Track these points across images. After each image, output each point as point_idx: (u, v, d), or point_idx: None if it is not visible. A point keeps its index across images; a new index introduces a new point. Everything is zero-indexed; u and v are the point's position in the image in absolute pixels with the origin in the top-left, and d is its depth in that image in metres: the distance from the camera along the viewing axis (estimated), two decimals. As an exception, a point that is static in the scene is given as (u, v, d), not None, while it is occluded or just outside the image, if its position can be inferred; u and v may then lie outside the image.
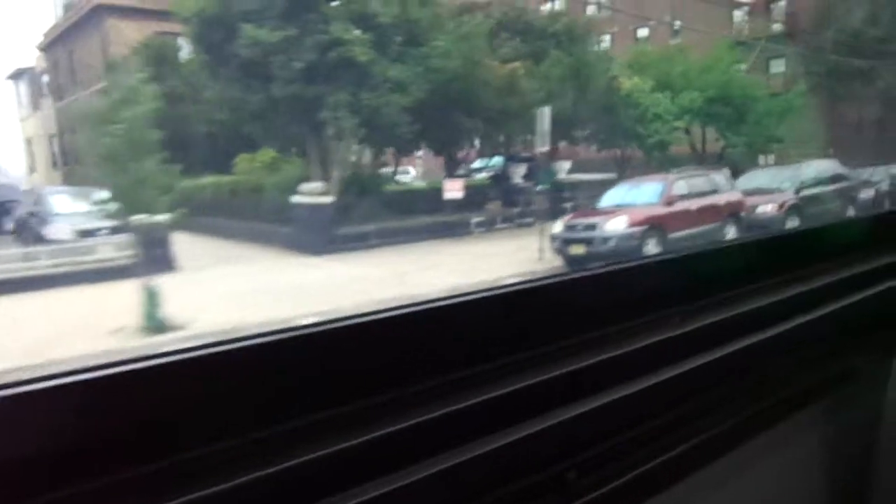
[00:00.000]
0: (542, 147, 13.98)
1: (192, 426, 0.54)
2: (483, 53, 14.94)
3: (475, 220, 14.36)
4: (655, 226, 10.56)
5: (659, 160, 17.08)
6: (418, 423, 0.61)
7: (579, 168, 18.40)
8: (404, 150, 17.47)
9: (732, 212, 11.78)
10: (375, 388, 0.62)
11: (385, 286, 9.01)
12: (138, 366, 0.52)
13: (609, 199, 11.95)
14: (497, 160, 17.78)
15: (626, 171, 17.41)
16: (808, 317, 1.03)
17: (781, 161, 18.35)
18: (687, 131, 18.13)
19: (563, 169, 17.91)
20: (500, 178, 16.88)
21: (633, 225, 10.47)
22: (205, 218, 12.38)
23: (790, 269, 1.10)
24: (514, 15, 17.40)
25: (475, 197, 14.88)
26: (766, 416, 0.96)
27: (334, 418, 0.59)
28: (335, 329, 0.61)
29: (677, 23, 22.21)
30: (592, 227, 10.59)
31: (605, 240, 10.24)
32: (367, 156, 16.09)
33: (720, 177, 12.65)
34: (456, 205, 14.16)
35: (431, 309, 0.68)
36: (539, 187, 14.94)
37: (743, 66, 19.52)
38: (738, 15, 23.35)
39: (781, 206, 12.18)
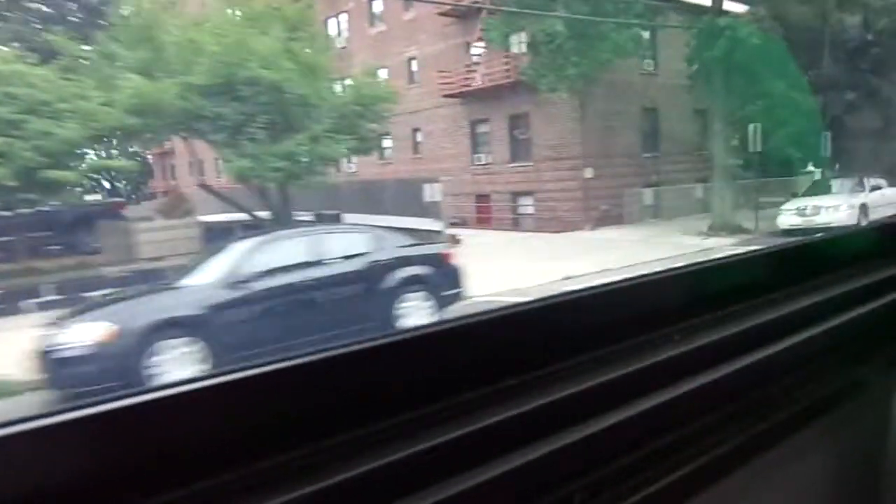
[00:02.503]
0: None
1: (210, 455, 0.53)
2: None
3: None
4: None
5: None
6: (419, 450, 0.61)
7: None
8: None
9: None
10: (372, 416, 0.62)
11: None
12: (151, 397, 0.52)
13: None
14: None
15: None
16: (813, 331, 1.03)
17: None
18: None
19: None
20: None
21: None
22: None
23: (793, 282, 1.09)
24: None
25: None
26: (772, 433, 0.96)
27: (338, 445, 0.58)
28: (336, 356, 0.61)
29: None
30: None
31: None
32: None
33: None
34: None
35: (427, 335, 0.68)
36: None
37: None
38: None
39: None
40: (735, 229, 18.18)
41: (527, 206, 22.78)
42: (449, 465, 0.62)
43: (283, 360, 0.58)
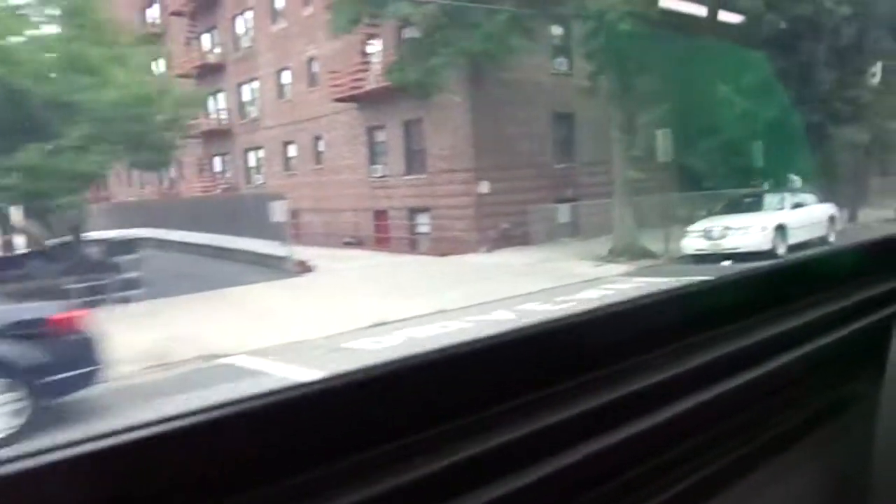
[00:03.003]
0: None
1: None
2: None
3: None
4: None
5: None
6: (416, 476, 0.61)
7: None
8: None
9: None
10: (371, 444, 0.62)
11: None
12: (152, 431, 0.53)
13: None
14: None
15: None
16: (800, 351, 1.05)
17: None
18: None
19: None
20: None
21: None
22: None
23: (780, 303, 1.11)
24: None
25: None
26: (758, 454, 0.96)
27: (355, 466, 0.60)
28: (353, 380, 0.64)
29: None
30: None
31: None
32: None
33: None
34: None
35: (420, 363, 0.69)
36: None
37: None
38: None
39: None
40: (638, 253, 15.51)
41: (424, 223, 20.10)
42: (446, 489, 0.63)
43: (286, 390, 0.59)
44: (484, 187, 18.31)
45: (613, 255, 15.63)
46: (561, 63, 20.55)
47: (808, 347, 1.06)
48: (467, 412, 0.68)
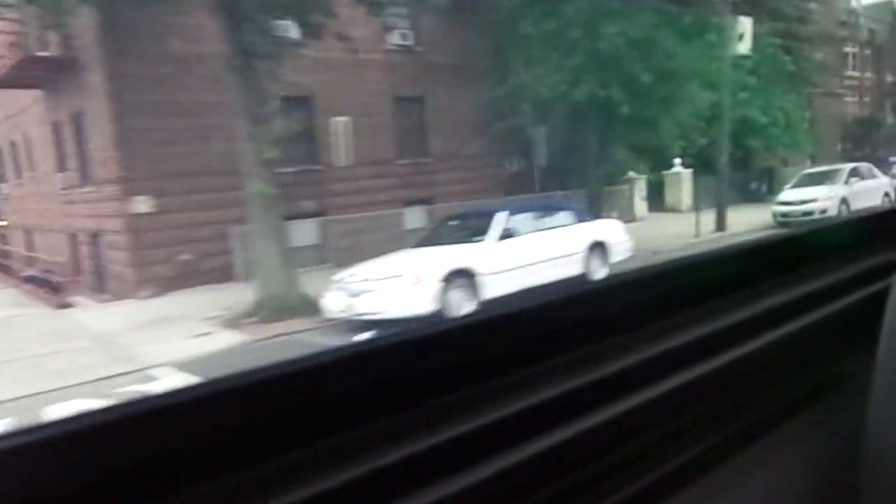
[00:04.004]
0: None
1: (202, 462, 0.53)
2: None
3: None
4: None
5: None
6: (398, 458, 0.60)
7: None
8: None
9: None
10: (357, 422, 0.61)
11: None
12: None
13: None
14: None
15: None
16: (792, 326, 1.03)
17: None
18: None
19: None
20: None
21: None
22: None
23: (770, 276, 1.09)
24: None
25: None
26: (751, 431, 0.94)
27: (351, 441, 0.59)
28: (347, 353, 0.63)
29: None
30: None
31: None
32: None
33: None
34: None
35: (408, 340, 0.69)
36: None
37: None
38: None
39: None
40: (290, 307, 10.12)
41: (107, 252, 14.67)
42: (424, 471, 0.62)
43: (274, 366, 0.58)
44: (140, 205, 12.87)
45: (258, 310, 10.27)
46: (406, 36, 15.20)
47: (798, 323, 1.04)
48: (444, 393, 0.67)
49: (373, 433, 0.61)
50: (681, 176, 22.96)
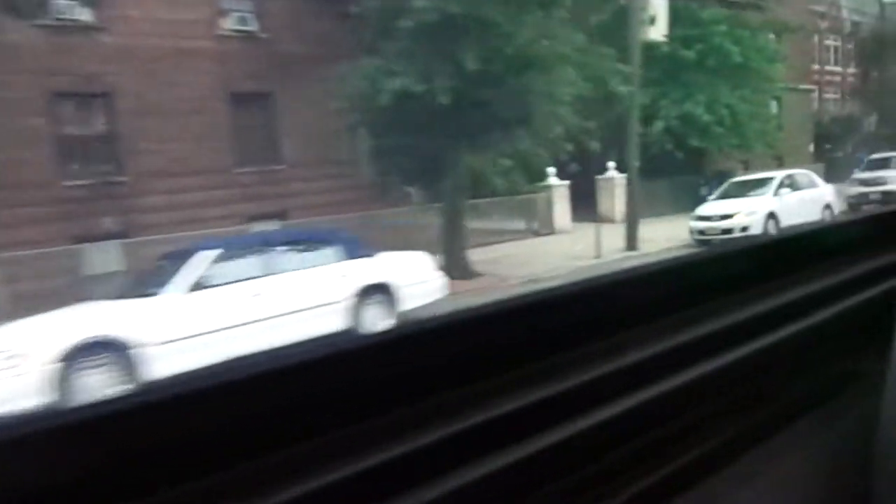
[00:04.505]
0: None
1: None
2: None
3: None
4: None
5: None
6: (397, 454, 0.59)
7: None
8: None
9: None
10: (352, 420, 0.59)
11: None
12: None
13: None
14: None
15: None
16: (804, 323, 1.02)
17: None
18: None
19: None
20: None
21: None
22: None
23: (782, 273, 1.07)
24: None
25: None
26: (762, 429, 0.94)
27: (342, 439, 0.57)
28: (343, 350, 0.61)
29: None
30: None
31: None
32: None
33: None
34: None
35: (407, 334, 0.68)
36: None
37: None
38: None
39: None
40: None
41: None
42: (426, 467, 0.61)
43: (271, 361, 0.57)
44: None
45: None
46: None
47: (811, 320, 1.03)
48: (448, 388, 0.66)
49: (377, 427, 0.59)
50: (614, 181, 20.21)
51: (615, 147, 20.62)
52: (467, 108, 10.33)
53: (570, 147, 12.95)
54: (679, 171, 21.47)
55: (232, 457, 0.52)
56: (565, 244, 16.31)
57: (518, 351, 0.71)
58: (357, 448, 0.57)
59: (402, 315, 8.06)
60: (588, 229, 16.39)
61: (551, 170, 19.14)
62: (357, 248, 8.08)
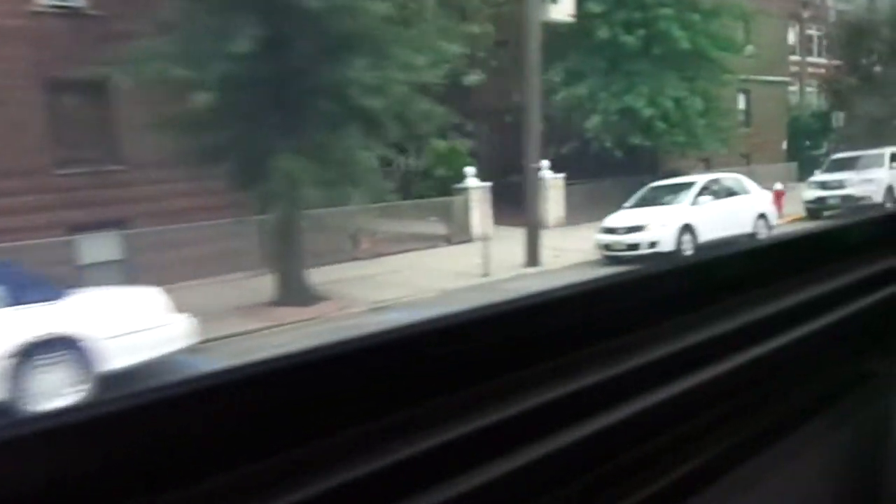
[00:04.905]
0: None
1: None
2: None
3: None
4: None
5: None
6: (406, 456, 0.59)
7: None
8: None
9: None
10: (357, 421, 0.59)
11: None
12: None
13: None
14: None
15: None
16: (817, 323, 1.02)
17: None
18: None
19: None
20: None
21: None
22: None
23: (794, 273, 1.07)
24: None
25: None
26: (775, 429, 0.94)
27: (344, 442, 0.57)
28: (331, 353, 0.60)
29: None
30: None
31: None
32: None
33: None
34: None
35: (415, 333, 0.67)
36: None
37: None
38: None
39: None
40: None
41: None
42: (431, 471, 0.61)
43: (271, 362, 0.56)
44: None
45: None
46: None
47: (821, 321, 1.02)
48: (459, 388, 0.65)
49: (383, 429, 0.59)
50: (546, 183, 18.03)
51: (554, 144, 18.61)
52: (274, 102, 8.21)
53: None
54: (627, 171, 19.24)
55: (231, 458, 0.51)
56: (466, 256, 14.18)
57: (523, 353, 0.70)
58: (362, 450, 0.56)
59: (104, 378, 5.97)
60: (509, 238, 14.35)
61: (470, 170, 17.13)
62: (28, 288, 5.97)
